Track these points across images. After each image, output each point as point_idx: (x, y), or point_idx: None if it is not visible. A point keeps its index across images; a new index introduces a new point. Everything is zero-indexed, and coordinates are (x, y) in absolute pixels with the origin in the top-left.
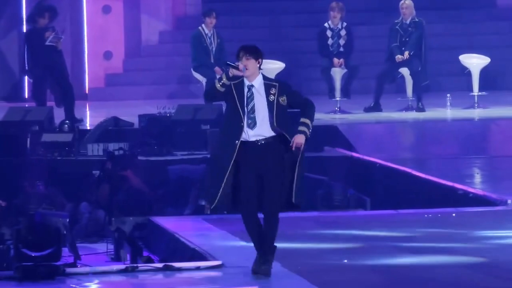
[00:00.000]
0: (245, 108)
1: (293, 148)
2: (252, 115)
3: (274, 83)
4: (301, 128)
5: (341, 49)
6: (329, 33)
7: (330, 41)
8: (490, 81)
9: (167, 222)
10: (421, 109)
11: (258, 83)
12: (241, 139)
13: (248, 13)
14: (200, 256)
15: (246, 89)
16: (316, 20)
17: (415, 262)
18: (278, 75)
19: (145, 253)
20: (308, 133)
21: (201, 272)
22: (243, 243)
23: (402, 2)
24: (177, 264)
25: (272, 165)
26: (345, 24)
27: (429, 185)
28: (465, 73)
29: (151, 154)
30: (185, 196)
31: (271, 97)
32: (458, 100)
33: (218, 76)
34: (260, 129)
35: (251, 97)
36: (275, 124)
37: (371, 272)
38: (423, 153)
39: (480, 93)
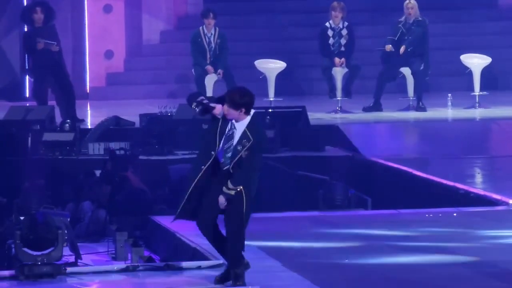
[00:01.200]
0: (221, 143)
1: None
2: (227, 155)
3: (250, 138)
4: (225, 189)
5: (342, 48)
6: (330, 32)
7: (331, 41)
8: (491, 81)
9: (168, 222)
10: (422, 109)
11: (240, 127)
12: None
13: (249, 12)
14: (201, 256)
15: (229, 126)
16: (317, 20)
17: (416, 261)
18: (279, 74)
19: (146, 253)
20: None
21: (202, 271)
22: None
23: (407, 1)
24: (178, 264)
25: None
26: (346, 23)
27: (430, 185)
28: (466, 73)
29: (152, 153)
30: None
31: (239, 147)
32: (459, 100)
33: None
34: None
35: (231, 136)
36: (230, 169)
37: (373, 271)
38: (424, 153)
39: (481, 93)
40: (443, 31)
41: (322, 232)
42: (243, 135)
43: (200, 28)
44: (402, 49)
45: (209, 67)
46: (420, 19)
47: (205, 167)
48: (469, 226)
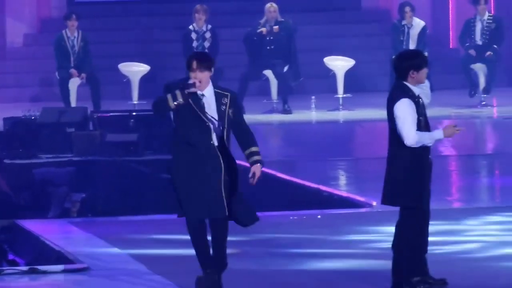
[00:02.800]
0: (196, 117)
1: (254, 181)
2: (206, 124)
3: (226, 93)
4: (256, 157)
5: (206, 51)
6: (194, 35)
7: (195, 44)
8: (354, 83)
9: (33, 225)
10: (288, 111)
11: (209, 92)
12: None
13: (114, 15)
14: (66, 259)
15: (196, 98)
16: (181, 23)
17: (281, 264)
18: (142, 77)
19: (10, 257)
20: (262, 161)
21: (66, 275)
22: (107, 245)
23: (269, 5)
24: (42, 267)
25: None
26: (210, 26)
27: (295, 187)
28: (330, 75)
29: (17, 157)
30: (51, 199)
31: (223, 107)
32: (323, 102)
33: (169, 96)
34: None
35: (203, 106)
36: (225, 135)
37: (236, 274)
38: (288, 155)
39: (344, 95)
40: (306, 33)
41: (187, 236)
42: (218, 95)
43: (63, 31)
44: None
45: (73, 71)
46: (282, 20)
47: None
48: (333, 228)
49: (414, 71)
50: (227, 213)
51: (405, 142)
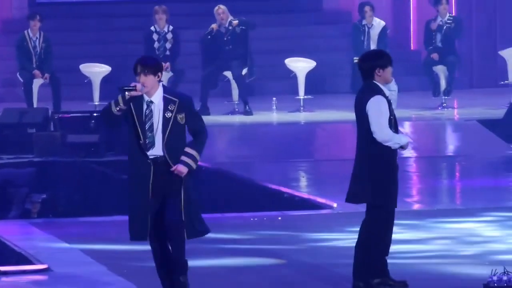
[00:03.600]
0: (144, 126)
1: (175, 172)
2: (150, 134)
3: (174, 99)
4: (185, 159)
5: (168, 52)
6: (155, 36)
7: (156, 45)
8: (315, 84)
9: None
10: (249, 113)
11: (158, 98)
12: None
13: (76, 16)
14: (26, 260)
15: (145, 106)
16: (143, 24)
17: (242, 264)
18: (104, 78)
19: None
20: (193, 166)
21: (27, 276)
22: (68, 246)
23: (217, 8)
24: (2, 268)
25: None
26: (171, 27)
27: (255, 189)
28: (291, 76)
29: None
30: (11, 200)
31: (168, 114)
32: (284, 104)
33: (114, 101)
34: (157, 149)
35: (149, 115)
36: (163, 144)
37: (198, 274)
38: (249, 157)
39: (305, 97)
40: (267, 35)
41: None
42: (166, 101)
43: (25, 32)
44: None
45: (36, 72)
46: (236, 19)
47: (147, 166)
48: (294, 230)
49: (380, 69)
50: (147, 238)
51: (376, 137)
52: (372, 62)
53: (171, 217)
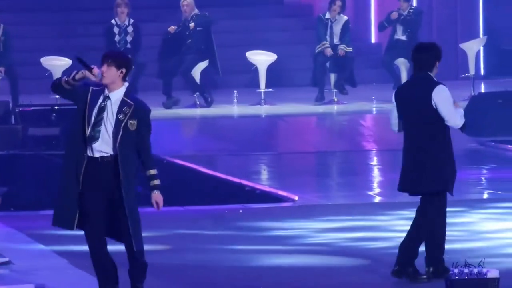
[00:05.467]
0: (91, 118)
1: (159, 209)
2: (97, 128)
3: (131, 103)
4: (155, 182)
5: (129, 45)
6: (116, 29)
7: (117, 38)
8: (276, 77)
9: None
10: (209, 105)
11: (116, 96)
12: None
13: (36, 9)
14: None
15: (101, 99)
16: (104, 17)
17: (204, 259)
18: (64, 71)
19: None
20: (159, 186)
21: None
22: (29, 240)
23: (182, 1)
24: None
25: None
26: (132, 20)
27: (216, 182)
28: (252, 69)
29: None
30: None
31: (121, 116)
32: (245, 97)
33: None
34: (104, 145)
35: (103, 109)
36: (117, 145)
37: (159, 268)
38: (210, 150)
39: (266, 90)
40: (228, 28)
41: None
42: (123, 103)
43: None
44: None
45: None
46: (199, 13)
47: (86, 154)
48: (255, 223)
49: (438, 62)
50: (74, 228)
51: (452, 123)
52: (434, 54)
53: (132, 250)
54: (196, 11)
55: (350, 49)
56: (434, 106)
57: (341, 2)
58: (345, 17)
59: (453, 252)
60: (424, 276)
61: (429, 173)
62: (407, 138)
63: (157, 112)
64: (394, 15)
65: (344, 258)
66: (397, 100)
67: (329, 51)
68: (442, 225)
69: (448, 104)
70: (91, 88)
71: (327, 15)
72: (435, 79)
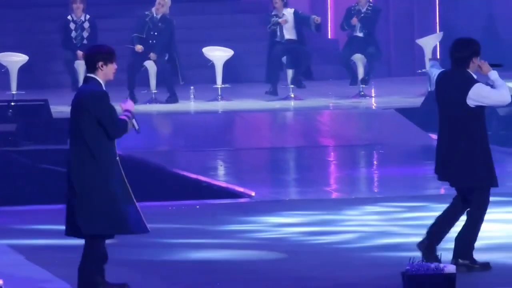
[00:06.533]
0: None
1: None
2: None
3: None
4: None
5: (85, 41)
6: (72, 25)
7: (73, 34)
8: (233, 73)
9: None
10: (170, 102)
11: None
12: None
13: None
14: None
15: None
16: (60, 13)
17: (162, 254)
18: (21, 67)
19: None
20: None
21: None
22: None
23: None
24: None
25: None
26: (88, 16)
27: (174, 178)
28: (209, 65)
29: None
30: None
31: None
32: (202, 93)
33: None
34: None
35: None
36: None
37: (122, 266)
38: (167, 146)
39: (223, 86)
40: (185, 24)
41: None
42: None
43: None
44: (152, 56)
45: None
46: (167, 17)
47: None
48: (212, 219)
49: (476, 57)
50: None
51: (505, 103)
52: (471, 50)
53: None
54: (167, 12)
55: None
56: (472, 106)
57: None
58: (292, 10)
59: (410, 248)
60: (477, 266)
61: (479, 167)
62: (441, 130)
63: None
64: (354, 21)
65: (297, 252)
66: (436, 88)
67: (283, 21)
68: (482, 218)
69: (485, 92)
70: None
71: (274, 11)
72: (473, 76)
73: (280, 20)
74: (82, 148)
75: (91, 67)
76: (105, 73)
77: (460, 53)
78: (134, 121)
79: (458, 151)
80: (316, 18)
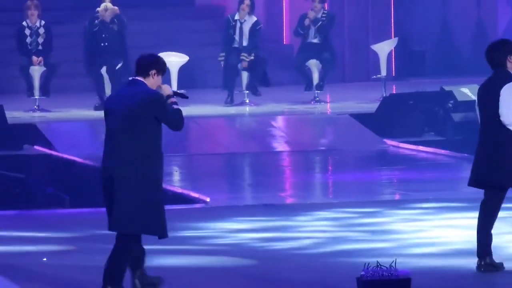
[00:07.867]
0: None
1: None
2: None
3: None
4: None
5: (40, 47)
6: (27, 31)
7: (28, 40)
8: (189, 79)
9: None
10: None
11: None
12: None
13: None
14: None
15: None
16: (15, 18)
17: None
18: None
19: None
20: None
21: None
22: None
23: (103, 4)
24: None
25: None
26: (43, 22)
27: None
28: None
29: None
30: None
31: None
32: None
33: None
34: None
35: None
36: None
37: (78, 272)
38: None
39: (179, 91)
40: (140, 29)
41: (23, 233)
42: None
43: None
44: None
45: None
46: (116, 19)
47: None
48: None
49: (510, 56)
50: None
51: (503, 120)
52: (505, 50)
53: None
54: (115, 15)
55: (252, 58)
56: None
57: (250, 1)
58: (255, 18)
59: (365, 253)
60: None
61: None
62: (482, 132)
63: (68, 113)
64: (307, 21)
65: (250, 258)
66: (478, 97)
67: (244, 64)
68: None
69: (507, 99)
70: None
71: (236, 16)
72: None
73: (243, 63)
74: (138, 147)
75: (143, 72)
76: (153, 82)
77: (494, 54)
78: (181, 92)
79: (504, 151)
80: (244, 63)
